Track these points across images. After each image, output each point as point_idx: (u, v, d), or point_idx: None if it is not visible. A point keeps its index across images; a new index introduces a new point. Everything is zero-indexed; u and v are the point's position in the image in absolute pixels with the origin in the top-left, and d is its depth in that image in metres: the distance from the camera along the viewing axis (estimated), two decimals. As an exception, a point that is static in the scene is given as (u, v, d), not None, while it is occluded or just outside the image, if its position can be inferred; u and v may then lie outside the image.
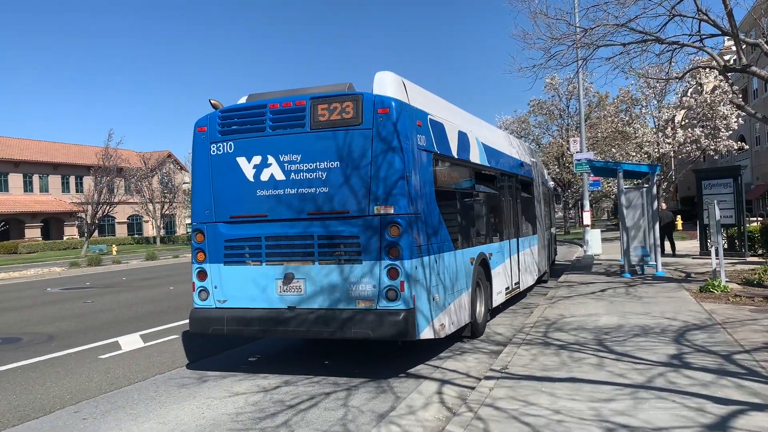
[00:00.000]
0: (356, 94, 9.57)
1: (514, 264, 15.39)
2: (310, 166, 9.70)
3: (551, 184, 26.50)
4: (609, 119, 42.79)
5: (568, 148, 52.78)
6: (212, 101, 10.62)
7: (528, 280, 16.87)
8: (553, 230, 22.97)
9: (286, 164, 9.83)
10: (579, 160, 26.69)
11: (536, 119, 60.80)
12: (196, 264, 10.37)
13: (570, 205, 69.44)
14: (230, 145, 10.15)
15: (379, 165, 9.34)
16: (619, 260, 24.44)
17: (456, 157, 11.44)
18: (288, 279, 9.76)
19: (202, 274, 10.34)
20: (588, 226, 27.67)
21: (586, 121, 44.59)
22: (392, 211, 9.28)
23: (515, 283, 15.33)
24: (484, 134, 13.76)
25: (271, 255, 9.90)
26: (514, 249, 15.35)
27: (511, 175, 15.61)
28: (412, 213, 9.37)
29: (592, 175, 28.10)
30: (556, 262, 26.55)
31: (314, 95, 9.78)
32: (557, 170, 58.00)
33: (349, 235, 9.47)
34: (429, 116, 10.42)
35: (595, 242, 27.56)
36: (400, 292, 9.22)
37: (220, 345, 12.60)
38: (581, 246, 34.27)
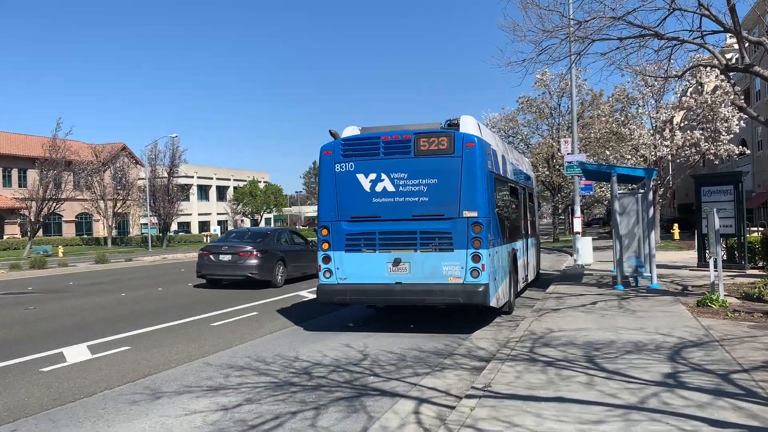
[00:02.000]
0: (449, 131, 14.31)
1: (527, 259, 20.41)
2: (414, 181, 14.34)
3: (536, 188, 28.26)
4: (603, 119, 42.61)
5: (559, 150, 52.50)
6: (332, 131, 15.13)
7: (531, 276, 21.64)
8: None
9: (395, 180, 14.47)
10: (570, 163, 26.64)
11: (525, 117, 60.35)
12: (322, 251, 14.88)
13: (560, 211, 69.69)
14: (351, 164, 14.75)
15: (466, 182, 14.08)
16: (611, 271, 24.43)
17: (502, 175, 16.53)
18: (396, 262, 14.40)
19: (327, 259, 14.85)
20: (578, 233, 27.68)
21: (578, 120, 45.84)
22: (476, 215, 14.04)
23: (525, 276, 20.02)
24: (509, 156, 18.86)
25: (383, 245, 14.48)
26: (526, 247, 20.17)
27: (524, 187, 20.74)
28: (487, 216, 14.17)
29: (583, 178, 27.86)
30: (542, 273, 26.60)
31: (417, 131, 14.48)
32: (547, 173, 57.76)
33: (443, 231, 14.14)
34: (490, 146, 15.29)
35: (586, 251, 27.45)
36: (481, 272, 13.97)
37: (174, 359, 12.50)
38: (571, 255, 34.91)
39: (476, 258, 14.14)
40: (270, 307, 19.64)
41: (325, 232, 15.02)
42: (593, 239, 31.04)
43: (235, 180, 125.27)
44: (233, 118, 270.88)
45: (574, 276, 24.21)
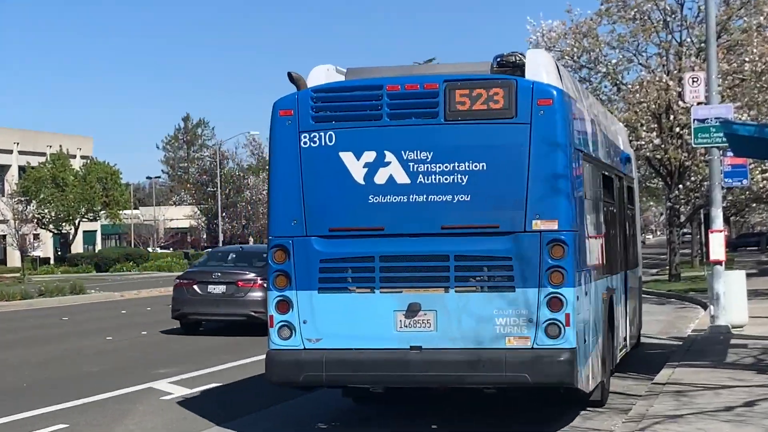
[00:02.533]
0: (507, 78, 8.98)
1: (627, 309, 13.86)
2: (446, 167, 8.94)
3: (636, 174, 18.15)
4: (766, 39, 30.25)
5: (681, 96, 29.79)
6: (293, 74, 9.54)
7: (631, 340, 14.63)
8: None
9: (411, 164, 9.02)
10: (703, 122, 18.41)
11: (614, 31, 35.87)
12: (276, 291, 9.27)
13: (680, 219, 42.17)
14: (329, 135, 9.14)
15: (539, 170, 8.83)
16: None
17: (594, 156, 10.84)
18: (412, 311, 9.00)
19: (284, 305, 9.23)
20: (720, 263, 18.89)
21: (719, 37, 30.06)
22: (556, 227, 8.82)
23: (625, 339, 13.72)
24: (602, 120, 12.50)
25: (389, 280, 9.12)
26: (625, 288, 13.72)
27: (621, 176, 14.04)
28: (575, 230, 9.05)
29: (730, 153, 19.55)
30: (643, 339, 18.46)
31: (449, 77, 9.05)
32: (656, 142, 34.38)
33: (498, 255, 8.94)
34: (576, 104, 9.92)
35: (734, 299, 19.09)
36: (565, 327, 8.78)
37: None
38: (704, 306, 23.97)
39: (556, 304, 8.79)
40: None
41: (280, 256, 9.21)
42: (748, 275, 21.83)
43: (24, 153, 72.68)
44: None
45: (709, 350, 16.33)
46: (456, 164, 8.92)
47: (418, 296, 8.98)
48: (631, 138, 35.81)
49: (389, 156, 9.05)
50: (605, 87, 37.51)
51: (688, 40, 35.75)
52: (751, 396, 11.28)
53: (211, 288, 19.84)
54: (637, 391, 12.65)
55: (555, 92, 8.94)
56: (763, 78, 30.16)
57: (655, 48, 36.69)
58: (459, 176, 8.93)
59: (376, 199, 9.07)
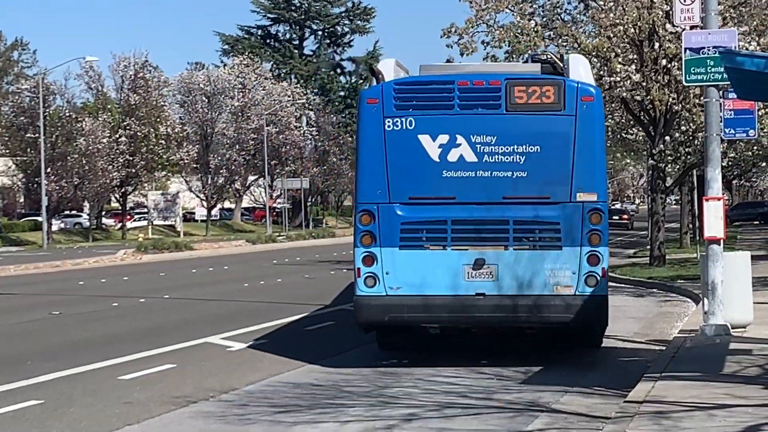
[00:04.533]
0: (557, 79, 15.34)
1: None
2: (507, 149, 14.81)
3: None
4: None
5: (669, 17, 32.13)
6: (373, 68, 16.02)
7: None
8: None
9: (478, 145, 14.81)
10: (698, 51, 18.72)
11: None
12: (362, 248, 14.89)
13: (667, 182, 42.17)
14: (410, 121, 14.91)
15: (581, 152, 14.92)
16: None
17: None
18: (478, 264, 14.82)
19: (369, 259, 14.85)
20: (716, 241, 19.10)
21: None
22: (595, 199, 14.96)
23: None
24: None
25: (458, 240, 14.95)
26: None
27: None
28: (606, 201, 15.47)
29: (732, 94, 19.81)
30: (621, 345, 18.99)
31: (510, 75, 15.32)
32: (635, 78, 34.91)
33: (549, 220, 14.96)
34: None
35: (736, 289, 19.08)
36: (601, 278, 14.92)
37: None
38: (695, 298, 24.39)
39: (594, 259, 14.78)
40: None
41: (366, 219, 14.98)
42: (753, 257, 22.56)
43: None
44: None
45: (701, 357, 16.71)
46: (515, 147, 14.68)
47: (482, 253, 14.77)
48: (602, 72, 35.88)
49: (460, 139, 14.73)
50: (569, 3, 37.54)
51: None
52: (756, 419, 11.63)
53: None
54: (605, 412, 13.11)
55: (594, 91, 15.12)
56: None
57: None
58: (517, 156, 14.72)
59: (448, 174, 14.81)
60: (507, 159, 14.74)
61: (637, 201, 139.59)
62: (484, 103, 14.91)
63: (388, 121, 14.83)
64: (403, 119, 14.84)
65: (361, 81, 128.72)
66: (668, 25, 31.87)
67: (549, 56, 15.39)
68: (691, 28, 20.56)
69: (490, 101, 14.86)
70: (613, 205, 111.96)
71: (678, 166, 42.15)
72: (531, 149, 14.74)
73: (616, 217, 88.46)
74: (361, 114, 15.31)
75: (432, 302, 14.81)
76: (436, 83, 15.31)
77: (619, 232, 77.30)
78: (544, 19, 35.82)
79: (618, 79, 34.00)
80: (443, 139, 14.76)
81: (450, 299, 14.78)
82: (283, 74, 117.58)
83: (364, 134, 15.20)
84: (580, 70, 15.65)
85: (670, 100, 34.24)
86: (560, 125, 14.80)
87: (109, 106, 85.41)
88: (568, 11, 37.21)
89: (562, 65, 16.26)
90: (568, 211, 14.76)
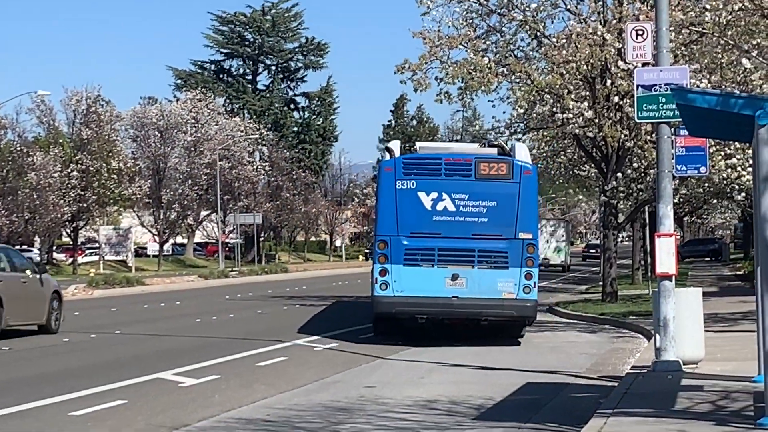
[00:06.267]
0: (508, 158, 23.18)
1: None
2: (474, 203, 22.69)
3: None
4: None
5: (621, 55, 30.99)
6: (388, 147, 25.02)
7: None
8: None
9: (456, 200, 22.69)
10: (650, 88, 18.50)
11: None
12: (379, 264, 22.97)
13: (619, 219, 43.66)
14: (413, 183, 22.80)
15: (522, 206, 22.73)
16: (751, 378, 16.84)
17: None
18: (454, 277, 22.63)
19: (384, 272, 22.83)
20: (668, 277, 19.00)
21: None
22: (531, 237, 22.94)
23: None
24: None
25: (442, 261, 22.83)
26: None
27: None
28: (537, 239, 23.92)
29: (683, 131, 19.60)
30: (578, 381, 18.88)
31: (478, 156, 23.52)
32: (588, 114, 34.63)
33: (500, 250, 22.71)
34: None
35: (687, 325, 19.11)
36: (533, 289, 22.73)
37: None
38: (647, 334, 24.14)
39: (529, 276, 22.54)
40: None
41: (382, 245, 22.89)
42: (705, 294, 22.64)
43: None
44: None
45: (653, 393, 16.54)
46: (480, 202, 22.21)
47: (457, 270, 22.28)
48: (555, 109, 35.86)
49: (444, 195, 22.27)
50: (522, 41, 37.24)
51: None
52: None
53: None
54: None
55: (532, 167, 22.98)
56: (729, 32, 30.15)
57: (589, -9, 35.94)
58: (481, 208, 22.21)
59: (436, 218, 22.37)
60: (474, 209, 22.55)
61: (589, 237, 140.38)
62: (460, 173, 22.75)
63: (399, 183, 22.74)
64: (408, 181, 22.77)
65: (315, 116, 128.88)
66: (620, 63, 31.64)
67: (499, 143, 23.65)
68: (643, 65, 20.59)
69: (465, 172, 22.74)
70: (590, 241, 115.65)
71: (630, 203, 41.87)
72: (490, 204, 22.51)
73: (594, 251, 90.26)
74: (380, 177, 23.75)
75: (423, 301, 22.60)
76: (430, 159, 23.51)
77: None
78: (498, 56, 35.71)
79: (571, 115, 33.72)
80: (434, 195, 22.62)
81: (435, 299, 22.61)
82: (236, 109, 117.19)
83: (383, 190, 23.32)
84: (522, 153, 24.06)
85: (622, 136, 33.97)
86: (509, 189, 22.59)
87: (60, 141, 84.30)
88: (521, 48, 36.54)
89: (509, 149, 24.19)
90: (513, 245, 22.55)
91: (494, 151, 24.03)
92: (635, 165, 36.95)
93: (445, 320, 24.58)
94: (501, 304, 22.44)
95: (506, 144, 26.44)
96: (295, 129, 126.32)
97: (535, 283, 22.61)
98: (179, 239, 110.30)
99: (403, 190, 22.57)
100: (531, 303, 22.73)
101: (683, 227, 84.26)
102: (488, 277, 22.48)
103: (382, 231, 22.90)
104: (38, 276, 27.47)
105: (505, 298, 22.33)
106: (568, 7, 36.58)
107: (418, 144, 25.92)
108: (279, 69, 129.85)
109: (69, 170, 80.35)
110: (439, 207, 22.46)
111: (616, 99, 34.22)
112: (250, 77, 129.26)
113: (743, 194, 40.27)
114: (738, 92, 26.50)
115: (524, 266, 22.37)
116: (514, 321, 23.43)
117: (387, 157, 24.04)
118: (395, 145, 24.57)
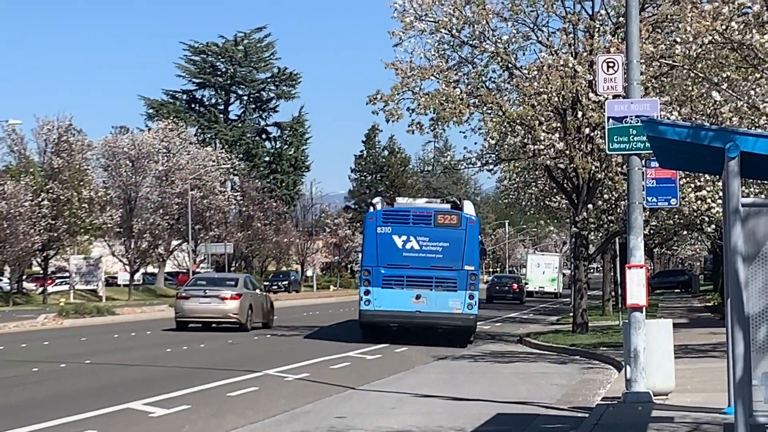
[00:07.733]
0: (457, 212, 34.50)
1: None
2: (433, 244, 33.19)
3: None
4: (704, 12, 30.14)
5: (592, 86, 31.56)
6: (371, 202, 38.11)
7: None
8: None
9: (420, 242, 33.25)
10: (621, 120, 18.26)
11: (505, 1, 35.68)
12: (364, 287, 33.55)
13: (590, 250, 42.38)
14: (389, 228, 33.28)
15: (467, 246, 33.59)
16: (722, 410, 16.67)
17: (480, 240, 38.27)
18: (417, 297, 32.88)
19: (368, 292, 33.18)
20: (638, 309, 18.71)
21: (644, 10, 32.95)
22: (473, 268, 33.69)
23: None
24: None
25: (409, 285, 33.05)
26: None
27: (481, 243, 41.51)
28: (478, 270, 35.46)
29: (655, 163, 19.38)
30: (535, 410, 18.81)
31: (436, 209, 34.44)
32: (558, 146, 34.68)
33: (451, 278, 33.20)
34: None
35: (657, 357, 18.99)
36: (475, 306, 33.75)
37: None
38: (617, 366, 23.97)
39: (471, 297, 32.70)
40: None
41: (366, 273, 33.21)
42: (675, 325, 22.37)
43: None
44: None
45: (624, 424, 16.37)
46: (437, 243, 33.15)
47: (420, 291, 32.93)
48: (526, 140, 35.82)
49: (411, 238, 33.10)
50: (493, 72, 37.32)
51: (603, 12, 36.34)
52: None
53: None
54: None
55: (475, 218, 35.07)
56: (699, 65, 29.98)
57: (560, 22, 36.81)
58: (438, 248, 33.13)
59: (406, 254, 33.11)
60: (433, 248, 32.56)
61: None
62: (423, 221, 33.01)
63: (379, 228, 32.72)
64: (386, 227, 32.72)
65: (286, 146, 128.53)
66: (591, 94, 31.92)
67: (453, 199, 33.30)
68: (614, 97, 20.61)
69: (426, 221, 33.04)
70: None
71: (601, 234, 42.31)
72: (444, 244, 32.71)
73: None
74: (366, 224, 34.26)
75: (395, 314, 32.78)
76: (402, 211, 33.90)
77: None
78: (469, 87, 35.85)
79: (542, 147, 33.79)
80: (404, 237, 32.44)
81: (404, 312, 32.57)
82: (207, 139, 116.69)
83: (367, 234, 33.72)
84: (469, 207, 34.65)
85: (593, 168, 34.05)
86: (458, 234, 32.90)
87: (31, 170, 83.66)
88: (492, 79, 36.24)
89: (460, 204, 35.05)
90: (460, 274, 32.64)
91: (449, 206, 35.08)
92: (606, 196, 37.20)
93: (411, 328, 34.54)
94: (451, 316, 32.62)
95: (460, 199, 41.10)
96: (267, 159, 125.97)
97: (476, 302, 33.22)
98: (150, 269, 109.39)
99: (382, 233, 32.81)
100: (473, 316, 33.16)
101: (653, 259, 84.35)
102: (442, 297, 32.55)
103: (367, 263, 33.29)
104: None
105: (454, 312, 32.53)
106: (540, 39, 37.04)
107: (398, 199, 38.06)
108: (251, 99, 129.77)
109: (40, 199, 79.63)
110: (408, 246, 32.75)
111: (587, 131, 34.34)
112: (222, 107, 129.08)
113: (713, 226, 40.39)
114: (708, 125, 26.62)
115: (468, 289, 32.69)
116: (461, 329, 33.48)
117: (371, 209, 34.54)
118: (378, 201, 35.23)
